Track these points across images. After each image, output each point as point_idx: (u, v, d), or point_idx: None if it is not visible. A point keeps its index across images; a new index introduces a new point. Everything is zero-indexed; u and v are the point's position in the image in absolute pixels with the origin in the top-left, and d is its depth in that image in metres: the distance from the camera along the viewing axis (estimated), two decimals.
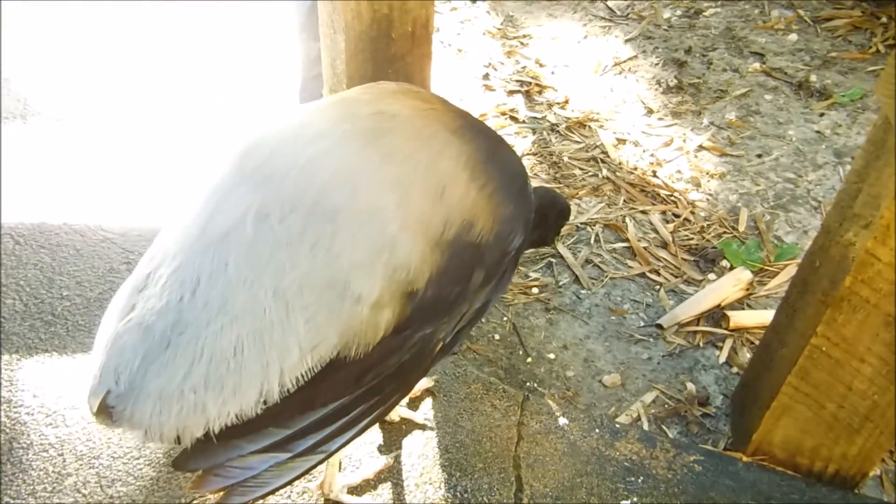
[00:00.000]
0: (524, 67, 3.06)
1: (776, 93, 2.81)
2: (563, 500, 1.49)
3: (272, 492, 1.11)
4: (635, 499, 1.50)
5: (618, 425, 1.65)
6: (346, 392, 1.10)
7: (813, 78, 2.84)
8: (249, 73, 2.89)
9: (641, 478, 1.54)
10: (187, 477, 1.49)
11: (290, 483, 1.14)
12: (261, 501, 1.14)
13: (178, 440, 1.04)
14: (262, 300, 1.01)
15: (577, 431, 1.62)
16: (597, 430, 1.62)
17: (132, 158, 2.38)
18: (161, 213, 2.11)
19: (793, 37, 3.05)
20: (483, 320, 2.02)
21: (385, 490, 1.50)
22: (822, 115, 2.70)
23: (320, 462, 1.15)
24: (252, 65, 2.93)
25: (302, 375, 1.03)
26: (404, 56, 1.99)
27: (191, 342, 1.01)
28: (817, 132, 2.63)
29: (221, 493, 1.09)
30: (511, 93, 2.92)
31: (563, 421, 1.64)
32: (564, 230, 2.25)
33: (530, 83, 2.96)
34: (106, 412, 1.02)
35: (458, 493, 1.50)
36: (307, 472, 1.15)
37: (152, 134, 2.50)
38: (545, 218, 1.52)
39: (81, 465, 1.51)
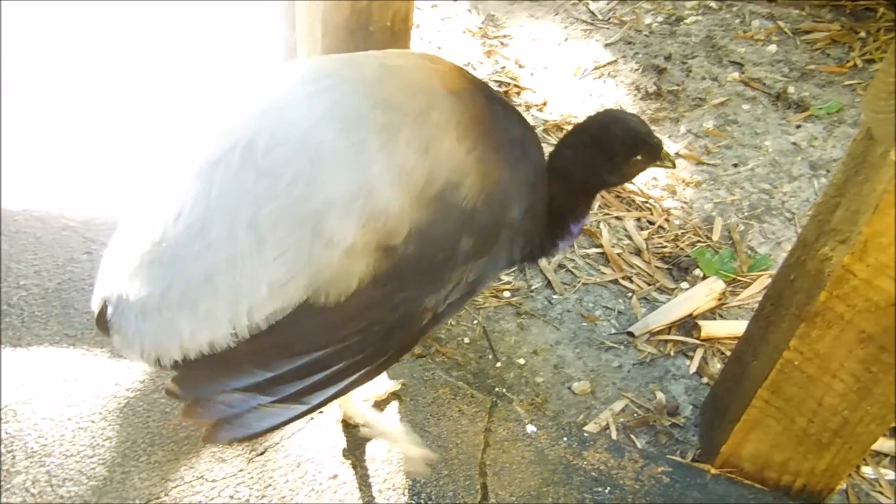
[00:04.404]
0: (503, 68, 3.03)
1: (754, 103, 2.81)
2: None
3: (256, 435, 1.13)
4: None
5: (586, 434, 1.63)
6: (322, 341, 1.09)
7: (791, 89, 2.85)
8: (227, 61, 2.82)
9: (608, 488, 1.52)
10: (141, 478, 1.44)
11: (273, 430, 1.16)
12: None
13: (158, 362, 1.08)
14: (237, 229, 1.03)
15: (545, 439, 1.59)
16: (565, 439, 1.60)
17: (98, 145, 2.30)
18: (125, 201, 2.05)
19: (772, 48, 3.05)
20: (452, 322, 1.99)
21: (347, 495, 1.46)
22: (798, 126, 2.71)
23: (301, 415, 1.15)
24: (230, 51, 2.87)
25: (272, 315, 1.04)
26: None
27: (172, 261, 1.05)
28: (793, 144, 2.63)
29: (209, 429, 1.11)
30: None
31: (531, 428, 1.61)
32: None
33: (509, 84, 2.93)
34: (103, 322, 1.09)
35: (421, 500, 1.47)
36: (289, 421, 1.15)
37: (121, 121, 2.43)
38: (607, 149, 1.29)
39: (32, 462, 1.45)
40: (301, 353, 1.09)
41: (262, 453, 1.51)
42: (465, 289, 1.18)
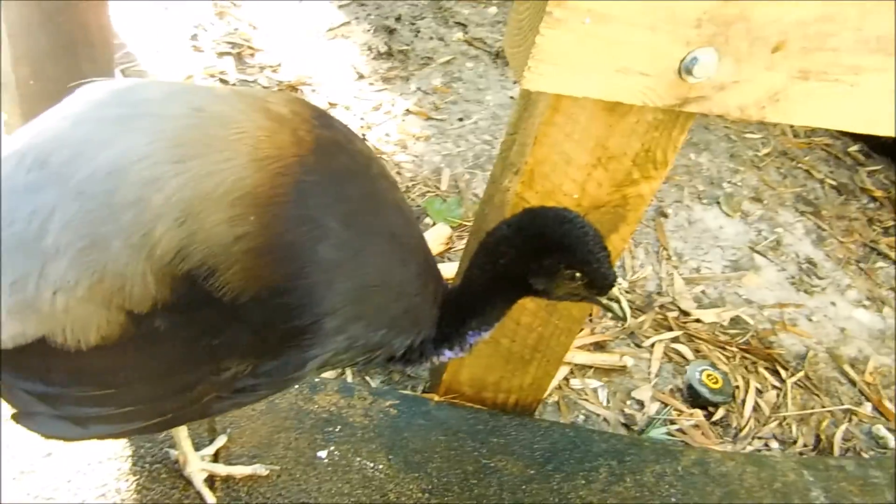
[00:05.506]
0: (236, 29, 2.96)
1: (477, 61, 3.00)
2: (260, 457, 1.49)
3: (46, 436, 1.07)
4: (332, 447, 1.54)
5: (318, 380, 1.68)
6: (70, 382, 1.00)
7: None
8: None
9: (339, 427, 1.58)
10: None
11: (68, 440, 1.13)
12: None
13: None
14: None
15: None
16: (296, 387, 1.63)
17: None
18: None
19: (493, 10, 3.27)
20: None
21: (71, 462, 1.39)
22: (516, 82, 2.94)
23: (90, 438, 1.09)
24: None
25: (15, 337, 0.95)
26: (77, 3, 1.82)
27: None
28: (511, 98, 2.85)
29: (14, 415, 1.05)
30: (221, 54, 2.81)
31: None
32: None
33: (242, 45, 2.87)
34: None
35: (153, 461, 1.43)
36: (80, 439, 1.10)
37: None
38: (541, 247, 1.11)
39: None
40: (59, 384, 1.01)
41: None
42: (254, 380, 1.02)
